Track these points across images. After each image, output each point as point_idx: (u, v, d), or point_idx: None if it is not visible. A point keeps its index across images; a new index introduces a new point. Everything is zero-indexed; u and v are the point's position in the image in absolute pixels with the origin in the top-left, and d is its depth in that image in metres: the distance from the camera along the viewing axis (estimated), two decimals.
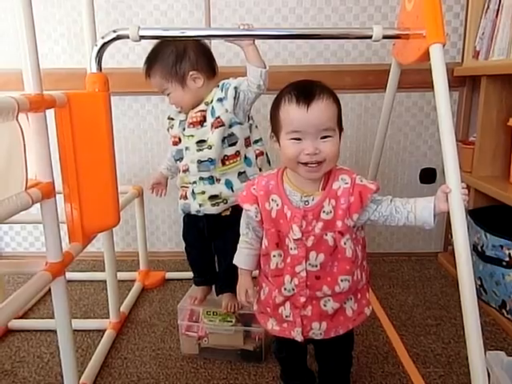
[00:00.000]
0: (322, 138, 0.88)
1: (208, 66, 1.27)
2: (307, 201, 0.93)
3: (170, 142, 1.35)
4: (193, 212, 1.31)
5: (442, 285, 1.79)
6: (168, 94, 1.27)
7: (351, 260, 0.95)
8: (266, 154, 1.34)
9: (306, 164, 0.89)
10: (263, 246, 1.00)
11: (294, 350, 1.10)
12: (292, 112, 0.88)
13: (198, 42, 1.27)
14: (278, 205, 0.95)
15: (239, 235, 1.23)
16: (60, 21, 1.89)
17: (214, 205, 1.27)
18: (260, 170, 1.30)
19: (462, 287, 0.87)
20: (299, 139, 0.88)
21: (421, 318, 1.55)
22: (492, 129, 1.72)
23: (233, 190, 1.26)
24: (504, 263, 1.47)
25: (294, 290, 0.96)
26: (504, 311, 1.50)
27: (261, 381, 1.24)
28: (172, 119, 1.34)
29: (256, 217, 0.97)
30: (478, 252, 1.58)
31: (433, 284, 1.80)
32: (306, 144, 0.88)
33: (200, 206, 1.28)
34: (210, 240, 1.37)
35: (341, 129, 0.93)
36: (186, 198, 1.31)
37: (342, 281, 0.95)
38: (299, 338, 0.99)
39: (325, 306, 0.97)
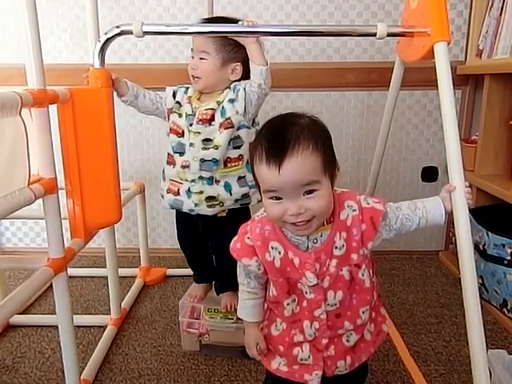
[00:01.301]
0: (305, 193, 0.75)
1: (249, 72, 1.22)
2: (315, 239, 0.82)
3: (169, 128, 1.27)
4: (185, 210, 1.27)
5: (442, 283, 1.79)
6: (201, 59, 1.21)
7: (370, 289, 0.87)
8: None
9: (293, 223, 0.77)
10: (271, 294, 0.88)
11: None
12: (264, 173, 0.76)
13: None
14: (280, 252, 0.83)
15: (235, 234, 1.22)
16: (63, 16, 1.89)
17: (209, 206, 1.24)
18: None
19: (465, 286, 0.87)
20: (280, 198, 0.76)
21: (422, 316, 1.55)
22: (495, 127, 1.72)
23: (231, 194, 1.23)
24: (505, 262, 1.47)
25: (315, 333, 0.86)
26: (505, 310, 1.50)
27: (261, 377, 1.24)
28: (179, 104, 1.26)
29: (259, 270, 0.86)
30: (479, 251, 1.58)
31: (434, 282, 1.80)
32: (288, 204, 0.75)
33: (195, 205, 1.24)
34: (205, 238, 1.35)
35: (334, 169, 0.80)
36: (177, 194, 1.26)
37: (363, 312, 0.87)
38: (316, 382, 0.87)
39: (348, 341, 0.88)
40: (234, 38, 1.18)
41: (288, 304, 0.87)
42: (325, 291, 0.84)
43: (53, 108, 1.02)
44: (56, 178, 1.02)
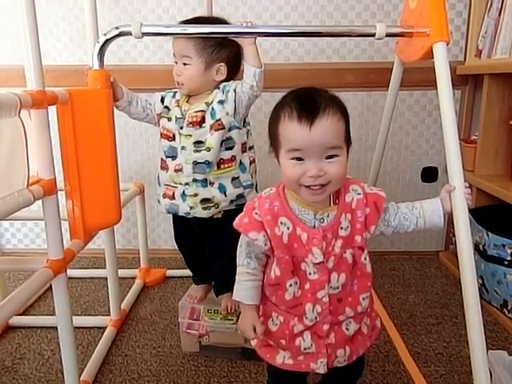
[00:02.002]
0: (327, 157, 0.78)
1: (234, 70, 1.24)
2: (322, 218, 0.84)
3: (160, 133, 1.28)
4: (181, 214, 1.26)
5: (443, 284, 1.79)
6: (185, 64, 1.20)
7: (371, 275, 0.88)
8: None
9: (308, 187, 0.79)
10: (272, 276, 0.87)
11: None
12: (292, 130, 0.78)
13: (241, 47, 1.22)
14: (288, 228, 0.84)
15: (233, 235, 1.22)
16: (62, 17, 1.88)
17: (205, 208, 1.23)
18: (252, 176, 1.27)
19: (465, 286, 0.87)
20: (301, 159, 0.78)
21: (422, 317, 1.54)
22: (494, 127, 1.72)
23: (226, 195, 1.23)
24: (506, 262, 1.46)
25: (316, 318, 0.86)
26: (506, 310, 1.49)
27: (261, 379, 1.24)
28: (168, 109, 1.26)
29: (265, 245, 0.85)
30: (479, 251, 1.58)
31: (434, 283, 1.80)
32: (309, 165, 0.77)
33: (191, 208, 1.24)
34: (202, 240, 1.34)
35: (349, 143, 0.84)
36: (173, 198, 1.26)
37: (363, 299, 0.88)
38: (322, 370, 0.88)
39: (347, 329, 0.88)
40: (218, 38, 1.17)
41: (290, 285, 0.85)
42: (329, 272, 0.84)
43: (52, 109, 1.02)
44: (55, 179, 1.01)
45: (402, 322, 1.50)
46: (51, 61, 1.89)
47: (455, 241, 0.90)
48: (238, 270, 0.90)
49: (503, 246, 1.47)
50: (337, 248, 0.84)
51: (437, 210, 0.88)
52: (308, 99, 0.79)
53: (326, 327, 0.86)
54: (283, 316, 0.89)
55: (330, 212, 0.84)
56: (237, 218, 0.87)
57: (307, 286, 0.85)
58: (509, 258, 1.46)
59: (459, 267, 0.89)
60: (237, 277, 0.91)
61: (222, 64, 1.20)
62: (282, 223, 0.84)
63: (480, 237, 1.58)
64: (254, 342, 0.95)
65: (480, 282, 1.58)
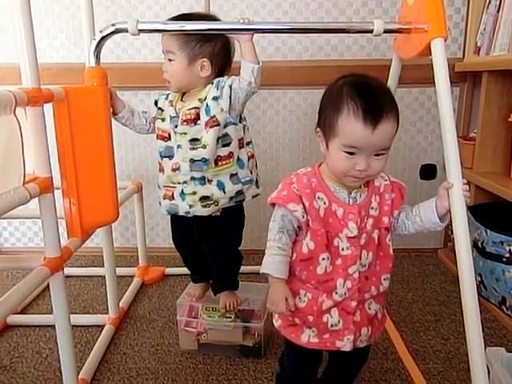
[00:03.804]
0: (376, 154, 0.83)
1: (221, 66, 1.23)
2: (355, 197, 0.89)
3: (156, 135, 1.27)
4: (181, 213, 1.25)
5: (441, 281, 1.79)
6: (170, 60, 1.21)
7: (392, 257, 0.92)
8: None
9: (351, 175, 0.85)
10: (305, 250, 0.89)
11: (311, 370, 1.01)
12: (356, 129, 0.81)
13: (229, 43, 1.24)
14: (325, 203, 0.88)
15: (230, 234, 1.21)
16: (59, 15, 1.88)
17: (204, 206, 1.22)
18: (251, 172, 1.27)
19: (463, 283, 0.87)
20: (353, 153, 0.83)
21: (420, 314, 1.54)
22: (493, 125, 1.72)
23: (225, 192, 1.22)
24: (504, 259, 1.46)
25: (345, 294, 0.89)
26: (504, 307, 1.49)
27: (260, 376, 1.24)
28: (161, 110, 1.26)
29: (303, 217, 0.87)
30: (478, 248, 1.58)
31: (432, 280, 1.80)
32: (360, 159, 0.82)
33: (190, 207, 1.23)
34: (200, 239, 1.33)
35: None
36: (172, 198, 1.25)
37: (384, 280, 0.93)
38: (348, 347, 0.90)
39: (369, 308, 0.93)
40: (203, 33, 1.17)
41: (323, 259, 0.88)
42: (361, 248, 0.88)
43: (49, 107, 1.02)
44: (52, 177, 1.01)
45: (400, 319, 1.50)
46: (48, 59, 1.89)
47: (454, 238, 0.90)
48: (269, 244, 0.91)
49: (502, 243, 1.47)
50: (368, 226, 0.89)
51: (431, 206, 0.90)
52: (374, 98, 0.82)
53: (353, 304, 0.89)
54: (311, 293, 0.91)
55: (362, 193, 0.90)
56: (274, 193, 0.91)
57: (339, 261, 0.88)
58: (507, 255, 1.45)
59: (457, 264, 0.88)
60: (267, 251, 0.91)
61: (205, 60, 1.19)
62: (319, 198, 0.88)
63: (478, 234, 1.58)
64: (277, 323, 0.97)
65: (478, 279, 1.58)
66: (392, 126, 0.83)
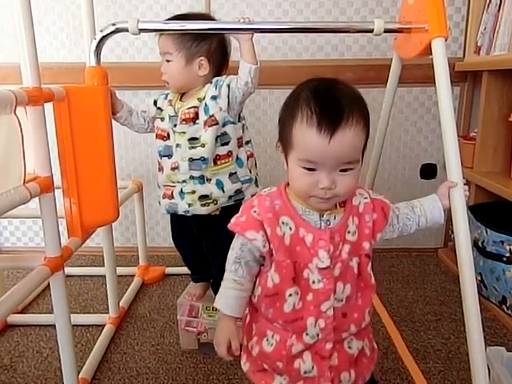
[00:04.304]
0: (341, 170, 0.71)
1: (219, 64, 1.24)
2: (328, 220, 0.76)
3: (155, 134, 1.28)
4: (180, 212, 1.25)
5: (441, 280, 1.79)
6: (168, 61, 1.22)
7: (374, 287, 0.81)
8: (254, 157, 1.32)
9: (316, 196, 0.73)
10: (270, 284, 0.77)
11: None
12: (309, 139, 0.69)
13: (225, 40, 1.25)
14: (291, 228, 0.75)
15: (230, 233, 1.19)
16: (59, 14, 1.88)
17: (203, 205, 1.23)
18: (250, 171, 1.27)
19: (463, 283, 0.87)
20: (313, 169, 0.71)
21: (421, 314, 1.54)
22: (493, 124, 1.72)
23: (224, 191, 1.22)
24: (504, 259, 1.46)
25: (318, 335, 0.76)
26: (504, 307, 1.49)
27: None
28: (160, 110, 1.27)
29: (264, 247, 0.75)
30: (478, 248, 1.58)
31: (433, 280, 1.80)
32: (321, 176, 0.70)
33: (189, 206, 1.23)
34: (200, 239, 1.34)
35: (365, 150, 0.76)
36: (172, 197, 1.26)
37: (367, 314, 0.81)
38: None
39: (350, 348, 0.80)
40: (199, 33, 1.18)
41: (290, 295, 0.76)
42: (335, 280, 0.76)
43: (49, 106, 1.02)
44: (52, 176, 1.01)
45: (400, 319, 1.50)
46: (48, 58, 1.89)
47: (454, 238, 0.90)
48: (225, 275, 0.81)
49: (502, 242, 1.47)
50: (344, 253, 0.76)
51: (437, 206, 0.86)
52: (331, 101, 0.69)
53: (328, 346, 0.77)
54: (279, 334, 0.79)
55: (337, 214, 0.77)
56: (233, 218, 0.79)
57: (310, 296, 0.76)
58: (507, 255, 1.45)
59: (458, 264, 0.88)
60: (222, 283, 0.81)
61: (202, 58, 1.20)
62: (283, 223, 0.76)
63: (479, 233, 1.58)
64: (245, 367, 0.86)
65: (479, 278, 1.58)
66: (356, 134, 0.69)
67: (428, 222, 0.86)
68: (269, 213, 0.76)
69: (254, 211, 0.77)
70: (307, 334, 0.77)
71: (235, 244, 0.80)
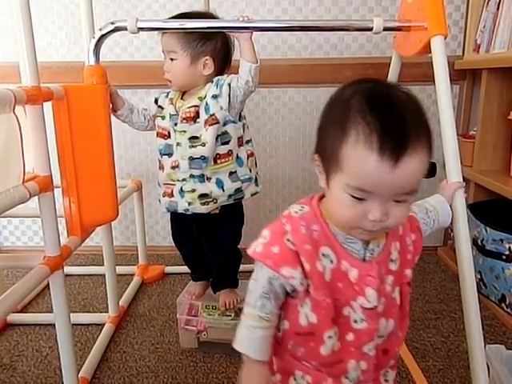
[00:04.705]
0: (396, 200, 0.58)
1: (223, 63, 1.25)
2: (373, 249, 0.65)
3: (156, 132, 1.28)
4: (180, 211, 1.25)
5: (441, 279, 1.79)
6: (172, 59, 1.21)
7: (408, 313, 0.73)
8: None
9: (362, 228, 0.61)
10: (303, 323, 0.65)
11: None
12: (367, 164, 0.55)
13: (229, 40, 1.24)
14: (332, 261, 0.63)
15: (229, 232, 1.18)
16: (58, 14, 1.87)
17: (203, 204, 1.23)
18: (250, 170, 1.27)
19: (463, 281, 0.87)
20: (363, 199, 0.58)
21: (420, 312, 1.55)
22: (492, 122, 1.71)
23: (223, 190, 1.22)
24: (504, 257, 1.46)
25: (358, 378, 0.67)
26: (504, 305, 1.49)
27: None
28: (161, 108, 1.27)
29: (301, 285, 0.62)
30: (477, 246, 1.58)
31: (432, 278, 1.80)
32: (373, 207, 0.58)
33: (189, 204, 1.23)
34: (199, 237, 1.34)
35: None
36: (171, 195, 1.25)
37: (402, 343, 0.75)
38: None
39: (387, 381, 0.73)
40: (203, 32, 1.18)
41: (330, 337, 0.64)
42: (378, 317, 0.66)
43: (48, 105, 1.02)
44: (52, 175, 1.01)
45: None
46: (47, 57, 1.89)
47: (454, 236, 0.90)
48: (247, 310, 0.67)
49: (501, 240, 1.47)
50: (388, 286, 0.66)
51: (446, 209, 0.83)
52: (394, 116, 0.55)
53: None
54: (312, 376, 0.67)
55: (380, 241, 0.66)
56: (258, 246, 0.64)
57: (350, 337, 0.65)
58: (507, 253, 1.45)
59: (457, 262, 0.88)
60: (244, 319, 0.68)
61: (207, 57, 1.20)
62: (323, 255, 0.63)
63: (478, 232, 1.58)
64: None
65: (478, 276, 1.58)
66: (422, 161, 0.56)
67: (439, 224, 0.81)
68: (306, 244, 0.62)
69: (288, 240, 0.63)
70: (347, 378, 0.67)
71: (260, 276, 0.66)
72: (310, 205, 0.66)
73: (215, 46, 1.20)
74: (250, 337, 0.67)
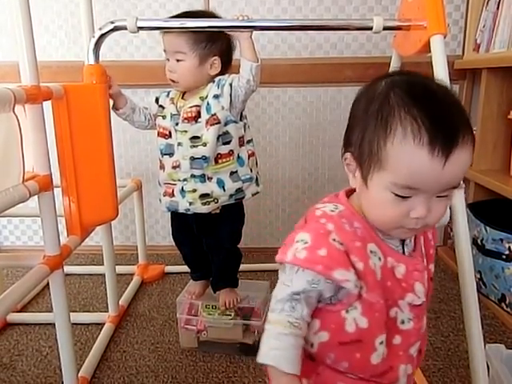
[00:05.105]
0: (438, 195, 0.57)
1: (227, 63, 1.25)
2: (407, 244, 0.64)
3: (157, 132, 1.28)
4: (181, 211, 1.25)
5: (441, 278, 1.79)
6: (178, 60, 1.19)
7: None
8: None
9: (404, 227, 0.58)
10: (350, 329, 0.59)
11: None
12: (418, 161, 0.53)
13: (232, 40, 1.24)
14: (380, 259, 0.60)
15: (230, 232, 1.17)
16: (58, 13, 1.87)
17: (204, 204, 1.23)
18: (251, 170, 1.27)
19: (462, 281, 0.87)
20: (408, 196, 0.56)
21: None
22: (492, 122, 1.71)
23: (224, 190, 1.22)
24: (504, 256, 1.46)
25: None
26: (503, 304, 1.49)
27: (259, 374, 1.24)
28: (162, 107, 1.27)
29: (356, 287, 0.58)
30: (477, 245, 1.58)
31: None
32: (417, 203, 0.55)
33: (190, 204, 1.23)
34: (200, 237, 1.34)
35: None
36: (172, 195, 1.25)
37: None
38: None
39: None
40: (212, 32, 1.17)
41: (381, 343, 0.60)
42: (423, 314, 0.64)
43: (48, 105, 1.02)
44: (51, 174, 1.01)
45: None
46: (47, 57, 1.89)
47: (453, 236, 0.90)
48: (272, 316, 0.60)
49: (501, 240, 1.47)
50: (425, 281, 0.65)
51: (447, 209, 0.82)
52: (443, 110, 0.54)
53: None
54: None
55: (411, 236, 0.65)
56: (300, 251, 0.58)
57: (397, 340, 0.61)
58: (507, 253, 1.45)
59: (457, 262, 0.88)
60: (269, 327, 0.60)
61: (216, 58, 1.20)
62: (372, 252, 0.59)
63: (478, 231, 1.58)
64: None
65: (478, 276, 1.58)
66: (470, 154, 0.55)
67: (440, 223, 0.74)
68: (356, 240, 0.58)
69: (334, 239, 0.58)
70: None
71: (295, 280, 0.59)
72: (341, 203, 0.63)
73: (221, 46, 1.21)
74: (280, 346, 0.58)
